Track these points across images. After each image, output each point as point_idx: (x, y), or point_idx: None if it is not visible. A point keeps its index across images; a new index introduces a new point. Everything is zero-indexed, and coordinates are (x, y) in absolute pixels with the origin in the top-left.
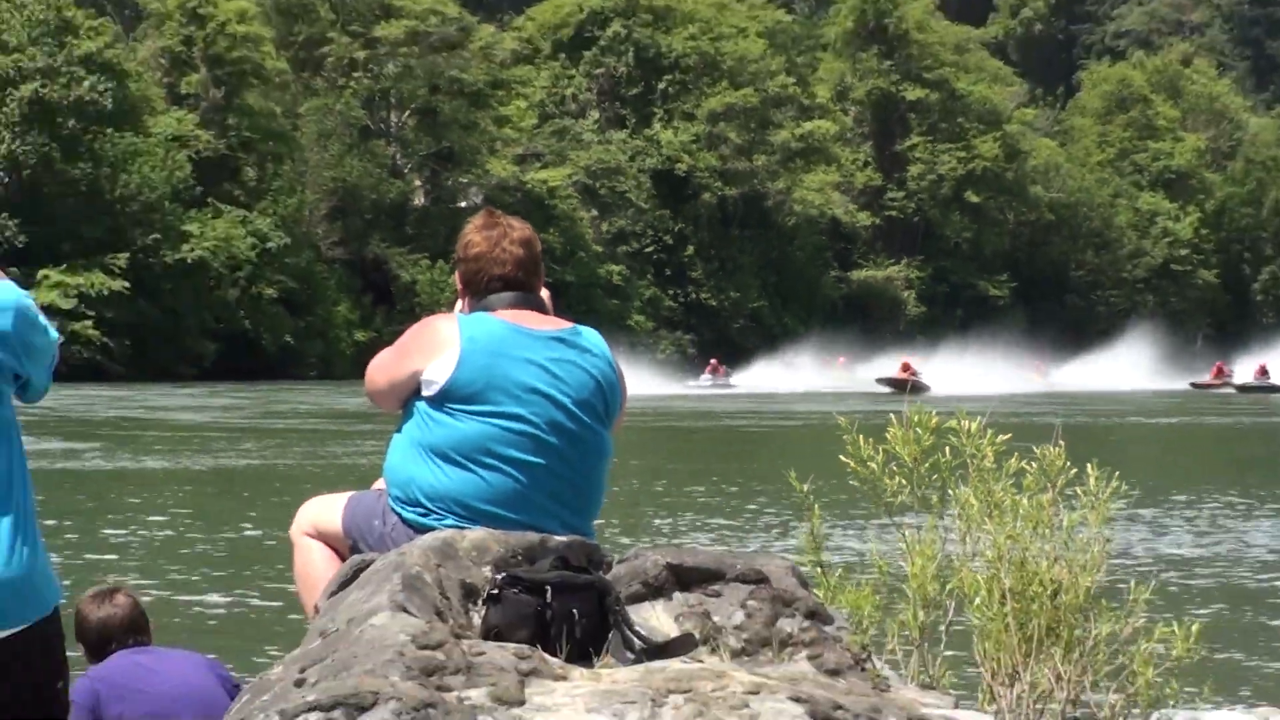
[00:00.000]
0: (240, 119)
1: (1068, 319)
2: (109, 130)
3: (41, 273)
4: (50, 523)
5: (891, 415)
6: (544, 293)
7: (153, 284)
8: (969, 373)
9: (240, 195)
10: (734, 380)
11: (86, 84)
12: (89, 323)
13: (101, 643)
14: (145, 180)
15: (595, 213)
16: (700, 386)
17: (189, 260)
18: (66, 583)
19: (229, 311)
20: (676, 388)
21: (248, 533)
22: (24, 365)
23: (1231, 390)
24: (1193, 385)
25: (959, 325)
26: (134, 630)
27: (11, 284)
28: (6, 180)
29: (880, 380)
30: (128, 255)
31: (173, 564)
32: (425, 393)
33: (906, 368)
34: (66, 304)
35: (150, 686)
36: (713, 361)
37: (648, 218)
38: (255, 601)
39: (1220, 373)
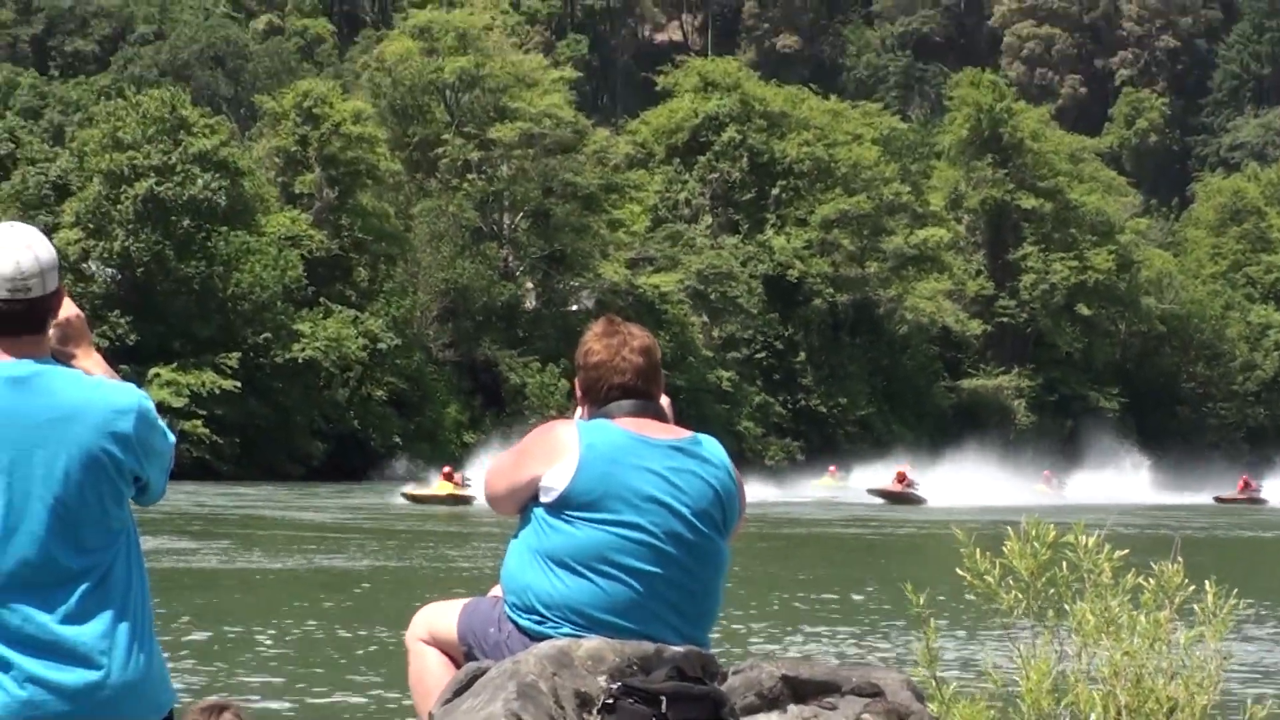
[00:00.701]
0: (353, 219)
1: (1178, 430)
2: (222, 228)
3: (153, 371)
4: (164, 623)
5: (1009, 528)
6: (664, 400)
7: (263, 383)
8: (971, 482)
9: (352, 295)
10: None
11: (201, 182)
12: (199, 421)
13: None
14: (257, 279)
15: (706, 318)
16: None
17: (300, 360)
18: (179, 686)
19: (338, 411)
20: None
21: (361, 636)
22: (144, 468)
23: (1258, 503)
24: (1217, 499)
25: (1069, 436)
26: None
27: (132, 386)
28: (119, 278)
29: (872, 491)
30: (239, 354)
31: (285, 666)
32: (543, 499)
33: (902, 478)
34: (178, 402)
35: None
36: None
37: (758, 323)
38: (369, 707)
39: (1246, 486)
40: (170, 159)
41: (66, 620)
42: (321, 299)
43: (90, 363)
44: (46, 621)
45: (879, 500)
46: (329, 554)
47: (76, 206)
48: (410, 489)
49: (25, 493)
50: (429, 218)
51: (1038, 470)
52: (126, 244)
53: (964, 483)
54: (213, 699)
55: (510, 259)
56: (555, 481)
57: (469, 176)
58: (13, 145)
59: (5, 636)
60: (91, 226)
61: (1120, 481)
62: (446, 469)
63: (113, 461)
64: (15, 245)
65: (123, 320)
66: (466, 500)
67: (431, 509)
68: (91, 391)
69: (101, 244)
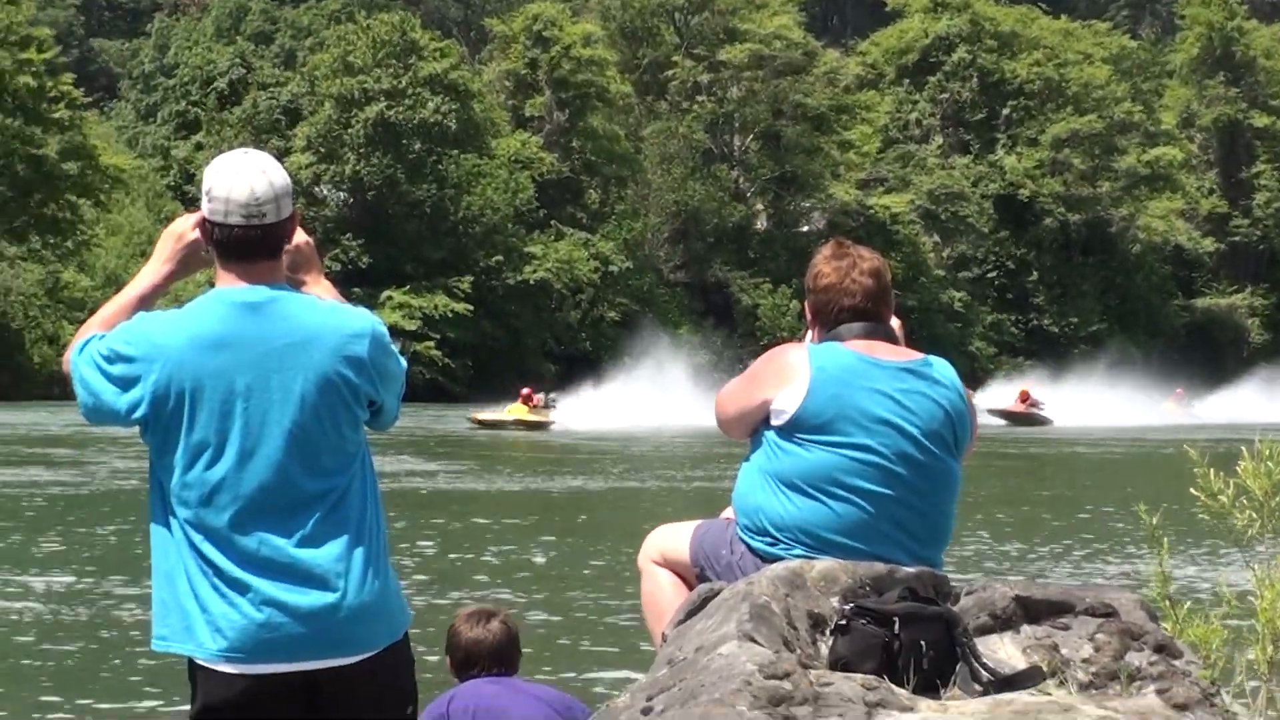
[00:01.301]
0: (584, 142)
1: None
2: (453, 152)
3: (385, 294)
4: (398, 544)
5: (1243, 448)
6: (894, 322)
7: (495, 305)
8: (1099, 403)
9: (583, 218)
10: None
11: (431, 105)
12: (431, 344)
13: (466, 663)
14: (488, 202)
15: (937, 238)
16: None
17: (531, 282)
18: (419, 602)
19: (570, 333)
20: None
21: (596, 557)
22: (378, 391)
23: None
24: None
25: None
26: (500, 659)
27: (366, 310)
28: (351, 202)
29: (994, 411)
30: (470, 277)
31: (520, 587)
32: (774, 422)
33: (1025, 398)
34: (410, 325)
35: (494, 713)
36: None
37: (989, 243)
38: (602, 628)
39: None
40: (401, 83)
41: (303, 543)
42: (552, 221)
43: (320, 289)
44: (284, 545)
45: (1000, 421)
46: (561, 475)
47: (308, 131)
48: (479, 413)
49: (262, 417)
50: (659, 140)
51: (1170, 389)
52: (358, 168)
53: (1090, 402)
54: (480, 606)
55: (741, 180)
56: (786, 404)
57: (699, 98)
58: (244, 70)
59: (243, 559)
60: (323, 151)
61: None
62: (526, 389)
63: (348, 385)
64: (250, 171)
65: (354, 244)
66: (541, 425)
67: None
68: (327, 316)
69: (333, 168)
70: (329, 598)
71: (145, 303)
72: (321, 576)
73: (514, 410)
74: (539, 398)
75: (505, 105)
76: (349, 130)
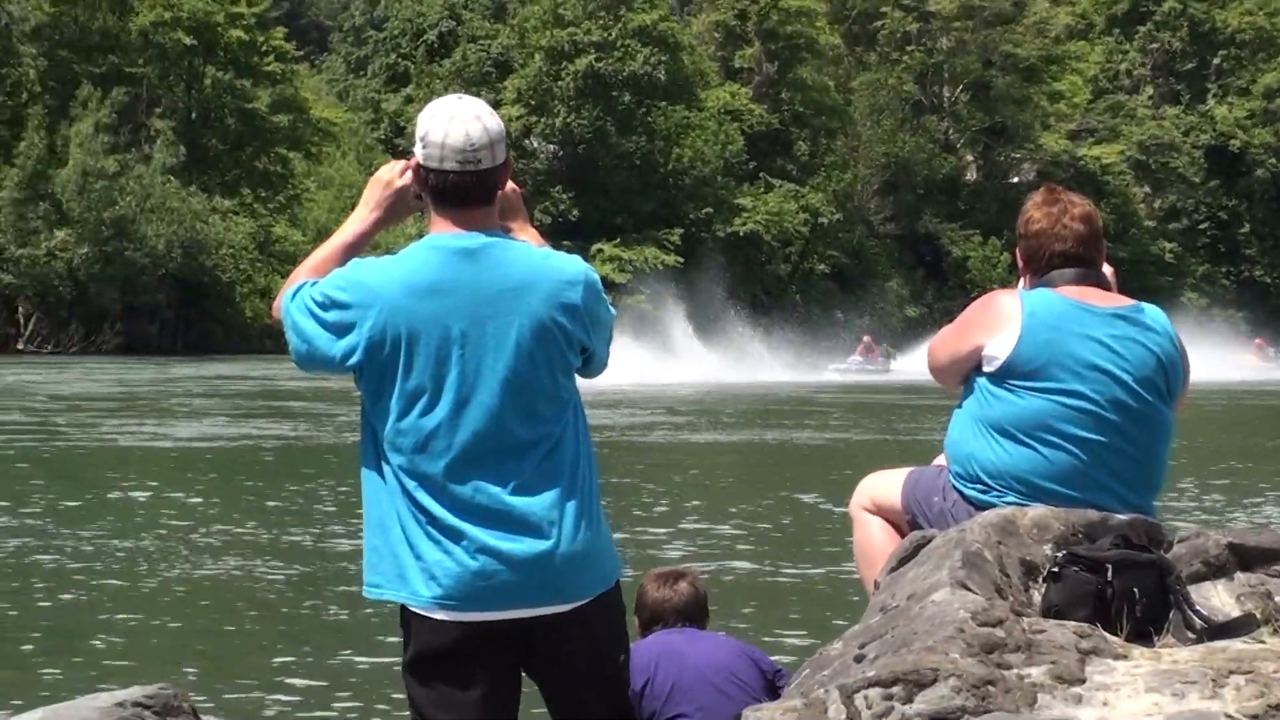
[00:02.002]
0: (793, 93)
1: None
2: (662, 104)
3: (595, 247)
4: (613, 497)
5: None
6: (1106, 269)
7: (705, 257)
8: None
9: (792, 169)
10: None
11: (640, 57)
12: (642, 297)
13: (652, 622)
14: (698, 154)
15: (1148, 189)
16: (847, 369)
17: (741, 234)
18: (629, 553)
19: (780, 285)
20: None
21: (807, 506)
22: (590, 339)
23: None
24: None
25: None
26: (686, 617)
27: (578, 258)
28: (561, 154)
29: None
30: (680, 229)
31: (729, 537)
32: (986, 369)
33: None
34: (621, 278)
35: (678, 659)
36: (866, 339)
37: (1200, 194)
38: (814, 576)
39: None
40: (610, 35)
41: (517, 491)
42: (762, 174)
43: (526, 236)
44: (498, 492)
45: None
46: (774, 425)
47: (518, 83)
48: None
49: (478, 364)
50: (869, 91)
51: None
52: (568, 120)
53: None
54: (669, 568)
55: (950, 131)
56: (998, 351)
57: (908, 49)
58: (454, 23)
59: (457, 507)
60: (533, 103)
61: None
62: None
63: (562, 332)
64: (465, 117)
65: (564, 197)
66: None
67: None
68: (541, 263)
69: (543, 121)
70: (543, 545)
71: (353, 250)
72: (536, 524)
73: None
74: None
75: (714, 57)
76: (559, 82)
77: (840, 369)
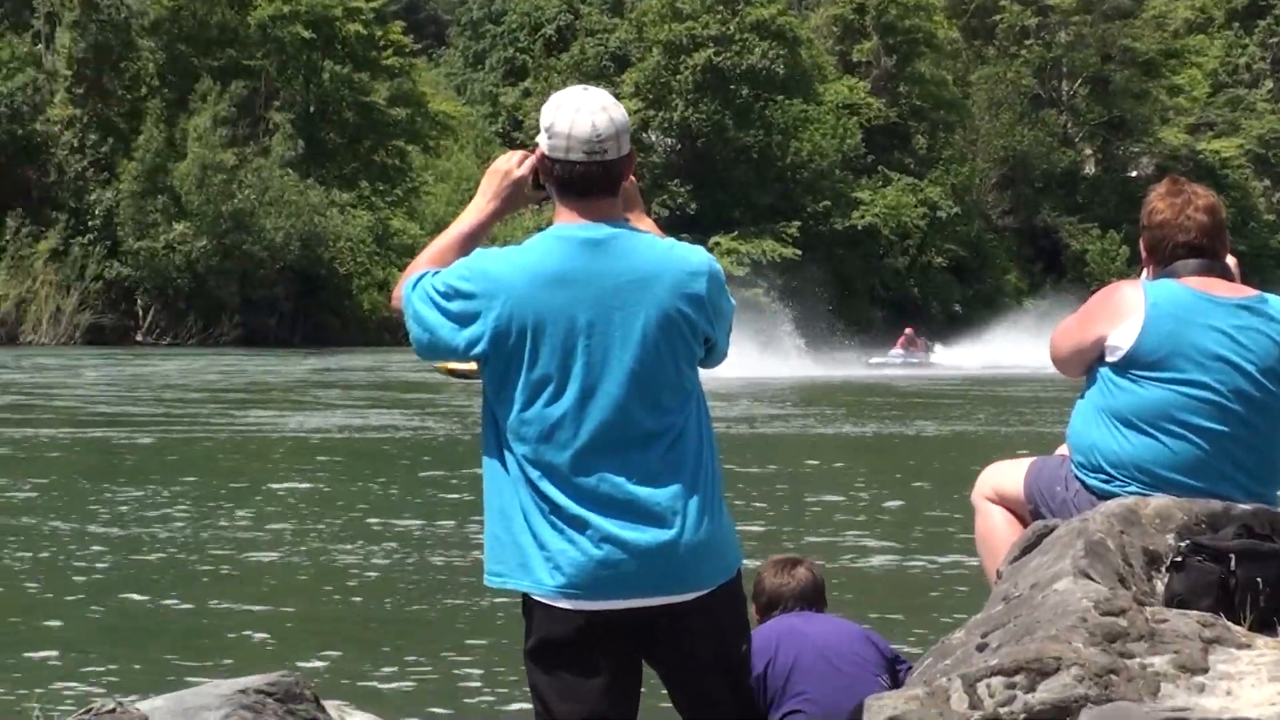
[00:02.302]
0: (911, 87)
1: None
2: (780, 98)
3: (713, 240)
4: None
5: None
6: (1230, 260)
7: (823, 251)
8: None
9: (910, 163)
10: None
11: (759, 51)
12: (759, 290)
13: (770, 607)
14: (816, 147)
15: (1267, 183)
16: (887, 362)
17: (859, 227)
18: (748, 544)
19: (898, 279)
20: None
21: (926, 495)
22: (713, 329)
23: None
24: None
25: None
26: (805, 602)
27: (702, 249)
28: (679, 147)
29: None
30: (799, 222)
31: (847, 526)
32: (1109, 359)
33: None
34: (739, 271)
35: (798, 638)
36: (908, 331)
37: None
38: (935, 564)
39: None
40: (728, 28)
41: (642, 481)
42: (880, 167)
43: (644, 228)
44: (622, 482)
45: None
46: (897, 418)
47: (635, 77)
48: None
49: (604, 355)
50: (987, 85)
51: None
52: (685, 114)
53: None
54: (786, 555)
55: (1069, 125)
56: (1121, 341)
57: (1026, 43)
58: (572, 16)
59: (582, 496)
60: (650, 97)
61: None
62: None
63: (687, 322)
64: (592, 108)
65: (683, 189)
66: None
67: None
68: (666, 253)
69: (661, 114)
70: (666, 535)
71: (472, 240)
72: (660, 514)
73: None
74: None
75: (832, 51)
76: (677, 76)
77: (880, 362)
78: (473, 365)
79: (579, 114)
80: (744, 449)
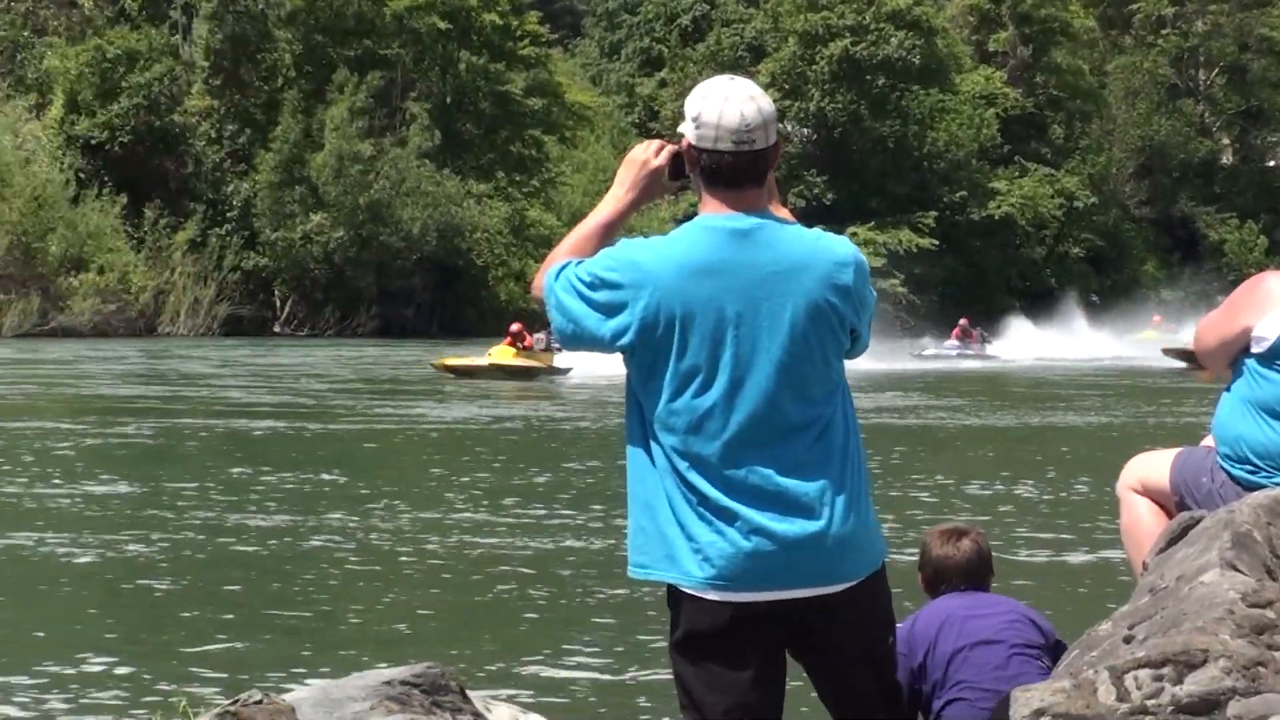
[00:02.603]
0: (1048, 77)
1: None
2: (916, 88)
3: (850, 230)
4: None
5: None
6: None
7: (959, 241)
8: None
9: (1047, 153)
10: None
11: (894, 41)
12: (896, 280)
13: (936, 579)
14: (953, 137)
15: None
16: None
17: (996, 217)
18: (896, 535)
19: (1034, 269)
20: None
21: (1069, 486)
22: (859, 320)
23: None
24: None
25: None
26: (969, 575)
27: (847, 239)
28: (815, 137)
29: (1169, 351)
30: (935, 212)
31: (993, 516)
32: (1255, 350)
33: None
34: (876, 261)
35: (960, 624)
36: (962, 322)
37: None
38: (1080, 556)
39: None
40: (864, 18)
41: (790, 472)
42: (1016, 157)
43: (781, 216)
44: (771, 473)
45: (1179, 363)
46: (1037, 408)
47: (772, 67)
48: (446, 357)
49: (752, 345)
50: (1123, 75)
51: None
52: (822, 104)
53: None
54: (952, 524)
55: (1206, 114)
56: (1267, 331)
57: (1163, 32)
58: (708, 6)
59: (730, 488)
60: (787, 87)
61: None
62: (515, 325)
63: (835, 313)
64: (740, 97)
65: (819, 180)
66: (530, 373)
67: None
68: (813, 244)
69: (797, 104)
70: (814, 526)
71: (611, 229)
72: (808, 505)
73: (499, 354)
74: (538, 337)
75: (968, 41)
76: (813, 67)
77: (933, 354)
78: (472, 361)
79: (727, 103)
80: (883, 439)
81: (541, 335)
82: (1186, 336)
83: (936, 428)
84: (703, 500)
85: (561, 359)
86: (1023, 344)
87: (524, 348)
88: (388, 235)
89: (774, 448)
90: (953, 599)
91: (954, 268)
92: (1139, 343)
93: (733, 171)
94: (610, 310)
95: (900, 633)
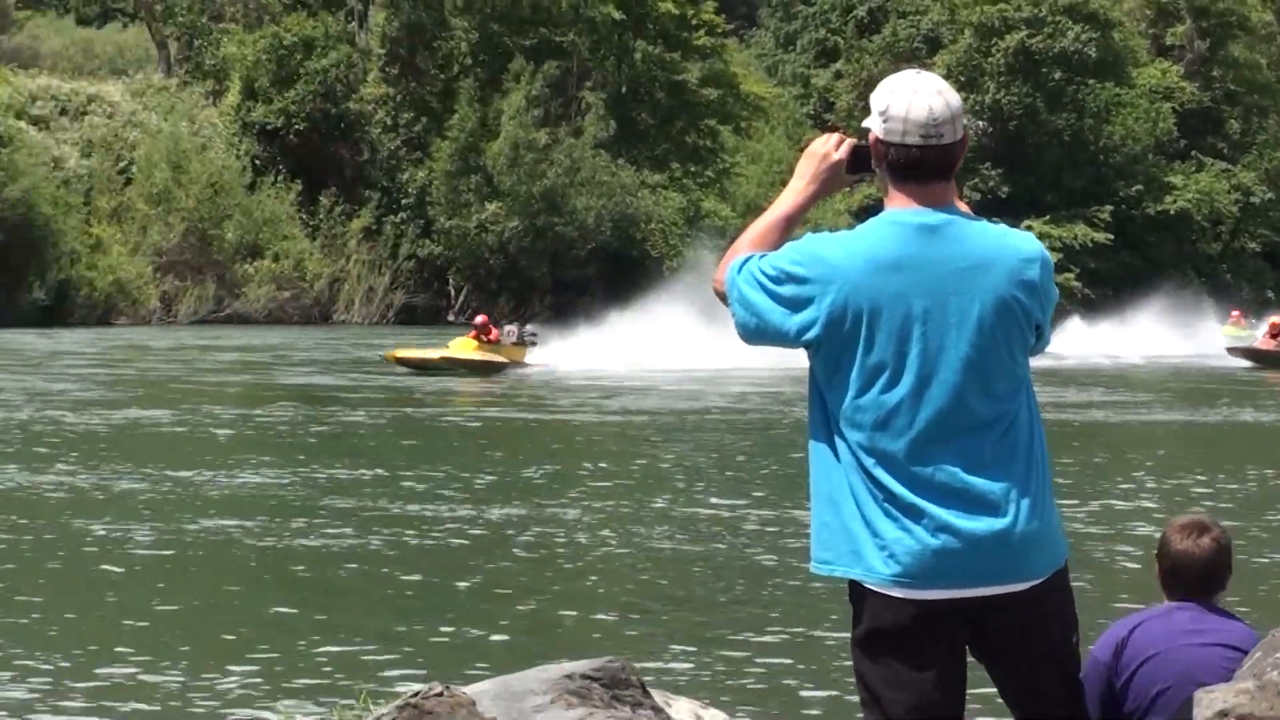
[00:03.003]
0: (1225, 71)
1: None
2: (1092, 81)
3: (1025, 223)
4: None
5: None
6: None
7: (1134, 236)
8: None
9: (1224, 148)
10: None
11: (1071, 34)
12: (1071, 275)
13: (1173, 575)
14: (1129, 131)
15: None
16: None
17: (1171, 212)
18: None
19: (1210, 265)
20: None
21: (1260, 486)
22: (1043, 316)
23: None
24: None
25: None
26: (1205, 580)
27: (1032, 235)
28: (991, 130)
29: (1234, 350)
30: (1110, 206)
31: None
32: None
33: (1277, 331)
34: (1052, 256)
35: (1176, 652)
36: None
37: None
38: (1266, 555)
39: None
40: (1040, 11)
41: (976, 469)
42: (1193, 152)
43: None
44: (957, 470)
45: (1245, 362)
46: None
47: (948, 59)
48: (398, 349)
49: (940, 341)
50: None
51: None
52: (997, 96)
53: None
54: (1194, 517)
55: None
56: None
57: None
58: None
59: (917, 484)
60: (962, 79)
61: None
62: (480, 317)
63: (1021, 309)
64: (928, 91)
65: (994, 173)
66: (495, 367)
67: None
68: (1000, 239)
69: (973, 96)
70: (1000, 524)
71: (791, 223)
72: (994, 502)
73: (458, 346)
74: (508, 330)
75: (1145, 34)
76: (989, 59)
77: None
78: (425, 354)
79: (915, 97)
80: (1066, 435)
81: (511, 328)
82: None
83: (1117, 424)
84: (889, 496)
85: (535, 355)
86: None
87: (488, 341)
88: (562, 225)
89: (960, 444)
90: (1180, 615)
91: (1129, 262)
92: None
93: (920, 166)
94: (795, 305)
95: (1108, 639)
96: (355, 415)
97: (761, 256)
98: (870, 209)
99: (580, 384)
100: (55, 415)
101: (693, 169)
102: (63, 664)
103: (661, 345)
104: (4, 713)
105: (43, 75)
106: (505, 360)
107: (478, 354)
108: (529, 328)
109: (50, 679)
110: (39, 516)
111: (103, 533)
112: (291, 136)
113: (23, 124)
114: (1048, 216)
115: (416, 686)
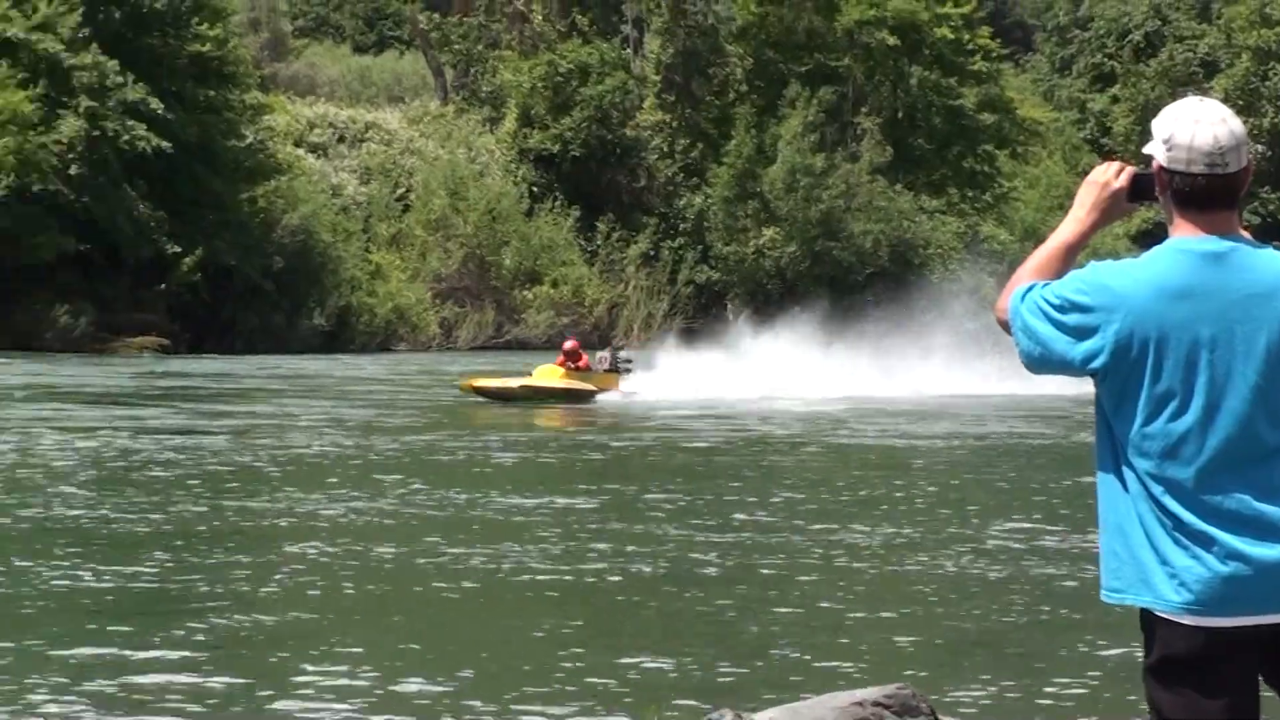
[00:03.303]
0: None
1: None
2: None
3: None
4: None
5: None
6: None
7: None
8: None
9: None
10: None
11: None
12: None
13: None
14: None
15: None
16: None
17: None
18: None
19: None
20: None
21: None
22: None
23: None
24: None
25: None
26: None
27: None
28: (1270, 154)
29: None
30: None
31: None
32: None
33: None
34: None
35: None
36: None
37: None
38: None
39: None
40: None
41: (1265, 496)
42: None
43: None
44: (1247, 497)
45: None
46: None
47: (1225, 84)
48: (475, 378)
49: (1227, 369)
50: None
51: None
52: (1276, 120)
53: None
54: None
55: None
56: None
57: None
58: (1159, 22)
59: (1205, 512)
60: (1241, 103)
61: None
62: (570, 343)
63: None
64: (1212, 120)
65: (1274, 196)
66: (585, 396)
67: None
68: None
69: (1251, 120)
70: None
71: (1074, 251)
72: None
73: (542, 374)
74: (600, 357)
75: None
76: (1266, 82)
77: None
78: (504, 383)
79: (1199, 126)
80: None
81: (604, 355)
82: None
83: None
84: (1178, 525)
85: (628, 383)
86: None
87: (577, 368)
88: (839, 249)
89: (1249, 472)
90: None
91: None
92: None
93: (1205, 194)
94: (1081, 333)
95: None
96: (620, 441)
97: (1045, 285)
98: (1150, 233)
99: (867, 410)
100: (377, 442)
101: (970, 194)
102: (357, 682)
103: (945, 370)
104: None
105: (320, 103)
106: (594, 389)
107: (563, 382)
108: (623, 354)
109: (361, 696)
110: (398, 541)
111: (440, 558)
112: (568, 163)
113: (301, 151)
114: None
115: (695, 705)
